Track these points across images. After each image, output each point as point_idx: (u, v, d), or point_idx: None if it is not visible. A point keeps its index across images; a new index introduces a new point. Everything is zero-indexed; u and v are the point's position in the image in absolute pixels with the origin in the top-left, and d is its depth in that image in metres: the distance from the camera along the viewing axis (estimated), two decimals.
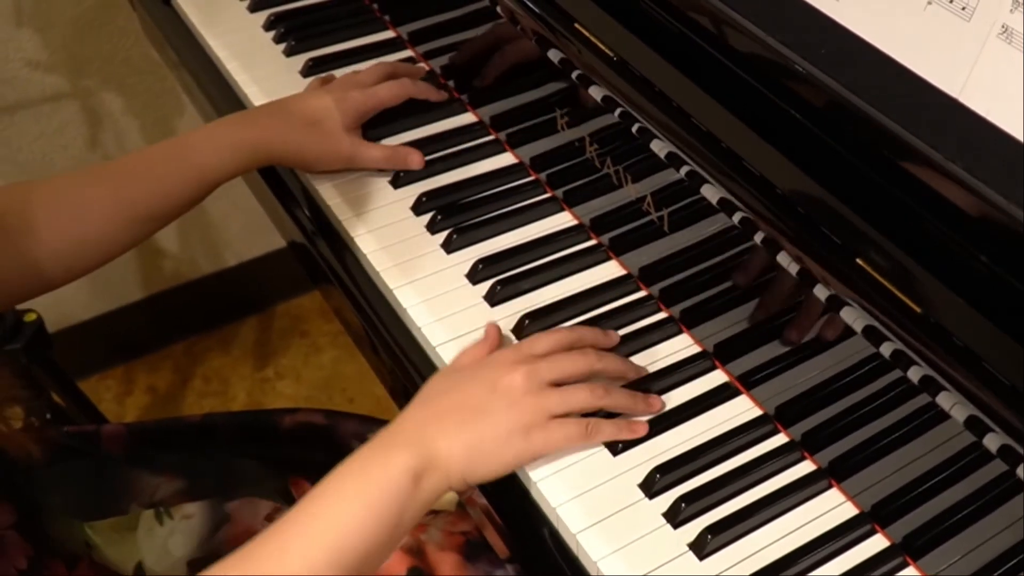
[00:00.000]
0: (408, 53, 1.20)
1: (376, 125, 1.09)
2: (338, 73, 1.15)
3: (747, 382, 0.88)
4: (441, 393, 0.82)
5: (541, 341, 0.86)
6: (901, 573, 0.78)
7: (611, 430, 0.84)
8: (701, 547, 0.78)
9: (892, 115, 0.72)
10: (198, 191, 0.98)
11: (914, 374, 0.73)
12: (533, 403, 0.81)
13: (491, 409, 0.80)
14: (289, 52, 1.20)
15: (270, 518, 0.99)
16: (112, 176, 0.96)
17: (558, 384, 0.83)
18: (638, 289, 0.96)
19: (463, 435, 0.79)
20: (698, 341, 0.92)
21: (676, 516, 0.80)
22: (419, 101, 1.11)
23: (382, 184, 1.06)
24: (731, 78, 0.81)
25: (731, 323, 0.89)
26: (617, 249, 0.99)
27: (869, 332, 0.75)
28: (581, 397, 0.83)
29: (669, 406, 0.87)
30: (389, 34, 1.23)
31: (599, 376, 0.86)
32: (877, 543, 0.80)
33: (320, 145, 1.03)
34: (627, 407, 0.85)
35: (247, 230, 2.02)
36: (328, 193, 1.05)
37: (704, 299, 0.91)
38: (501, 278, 0.96)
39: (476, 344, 0.88)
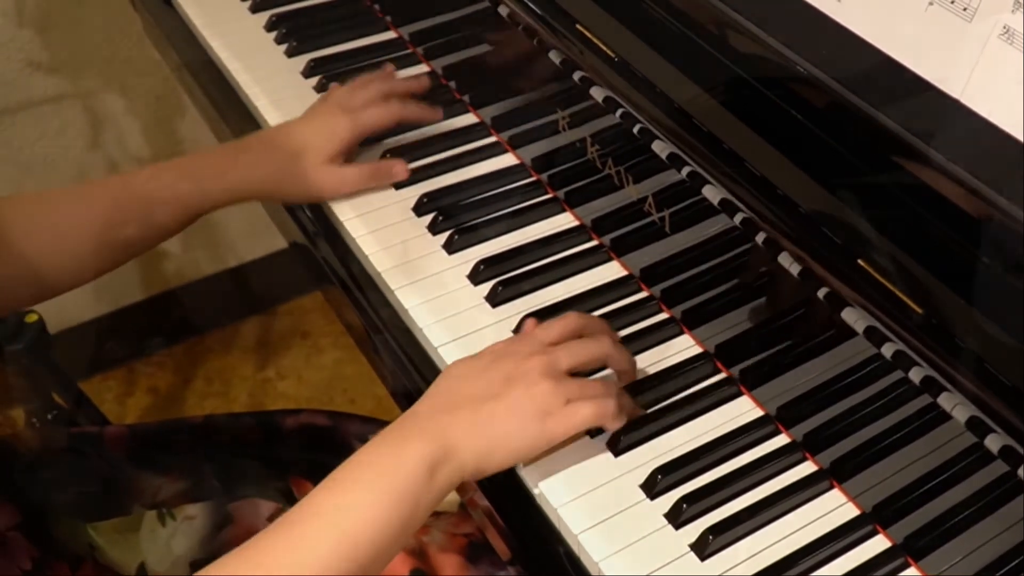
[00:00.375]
0: (409, 53, 1.20)
1: None
2: (339, 73, 1.15)
3: (748, 383, 0.88)
4: (456, 382, 0.81)
5: (554, 328, 0.85)
6: (903, 574, 0.78)
7: (620, 415, 0.83)
8: (703, 548, 0.78)
9: (893, 116, 0.72)
10: (176, 222, 0.98)
11: (915, 375, 0.73)
12: (550, 391, 0.80)
13: (506, 398, 0.79)
14: (291, 53, 1.20)
15: (272, 519, 1.00)
16: (94, 199, 0.96)
17: (574, 372, 0.83)
18: (639, 290, 0.96)
19: (478, 424, 0.78)
20: (699, 342, 0.92)
21: (678, 517, 0.80)
22: (422, 101, 1.12)
23: (385, 186, 1.06)
24: (732, 78, 0.81)
25: (732, 324, 0.89)
26: (618, 250, 0.99)
27: (870, 333, 0.75)
28: (597, 390, 0.82)
29: (670, 407, 0.87)
30: (390, 35, 1.23)
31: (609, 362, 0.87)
32: (878, 544, 0.80)
33: (299, 182, 1.02)
34: (631, 411, 0.85)
35: (249, 231, 2.02)
36: None
37: (705, 300, 0.91)
38: (502, 279, 0.96)
39: (506, 340, 0.87)
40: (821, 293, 0.78)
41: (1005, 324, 0.66)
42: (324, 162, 1.02)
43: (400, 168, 1.05)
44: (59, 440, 1.03)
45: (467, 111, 1.13)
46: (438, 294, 0.96)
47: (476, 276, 0.97)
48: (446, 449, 0.76)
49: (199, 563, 0.96)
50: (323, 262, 1.04)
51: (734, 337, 0.89)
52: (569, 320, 0.86)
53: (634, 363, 0.88)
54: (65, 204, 0.95)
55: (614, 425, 0.83)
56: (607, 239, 1.00)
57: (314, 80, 1.17)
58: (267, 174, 1.01)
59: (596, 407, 0.81)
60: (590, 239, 1.01)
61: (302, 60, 1.19)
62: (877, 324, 0.74)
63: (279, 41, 1.22)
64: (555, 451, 0.83)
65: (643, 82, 0.87)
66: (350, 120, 1.04)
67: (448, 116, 1.12)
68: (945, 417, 0.72)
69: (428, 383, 0.84)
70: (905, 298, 0.71)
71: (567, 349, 0.83)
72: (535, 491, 0.83)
